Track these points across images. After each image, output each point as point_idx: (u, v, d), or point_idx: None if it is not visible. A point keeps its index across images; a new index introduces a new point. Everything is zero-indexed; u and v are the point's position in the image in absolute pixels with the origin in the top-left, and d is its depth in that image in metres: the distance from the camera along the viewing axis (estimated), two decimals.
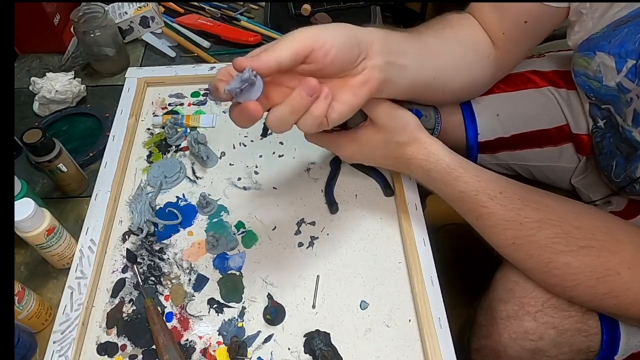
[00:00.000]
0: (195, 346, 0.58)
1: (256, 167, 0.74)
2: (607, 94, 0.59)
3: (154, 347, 0.57)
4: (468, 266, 0.95)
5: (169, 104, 0.82)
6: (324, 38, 0.46)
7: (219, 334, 0.58)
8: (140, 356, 0.57)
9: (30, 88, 0.83)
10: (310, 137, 0.61)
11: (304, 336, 0.58)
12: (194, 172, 0.74)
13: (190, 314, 0.60)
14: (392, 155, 0.58)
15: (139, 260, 0.64)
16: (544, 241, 0.52)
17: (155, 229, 0.67)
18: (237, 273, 0.63)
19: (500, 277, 0.60)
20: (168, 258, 0.65)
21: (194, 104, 0.82)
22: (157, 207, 0.69)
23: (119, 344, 0.58)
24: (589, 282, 0.51)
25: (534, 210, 0.54)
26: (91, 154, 0.77)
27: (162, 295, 0.62)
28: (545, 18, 0.61)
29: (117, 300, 0.61)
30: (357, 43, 0.48)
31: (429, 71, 0.58)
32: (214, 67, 0.85)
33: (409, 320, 0.59)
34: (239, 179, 0.72)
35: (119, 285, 0.63)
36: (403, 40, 0.56)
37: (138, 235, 0.67)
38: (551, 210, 0.54)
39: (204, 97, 0.83)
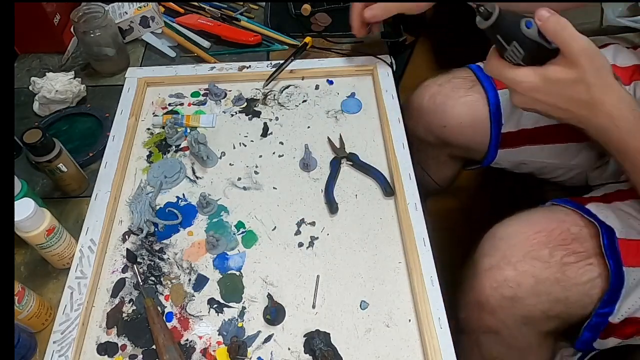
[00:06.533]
0: (195, 346, 0.58)
1: (256, 167, 0.74)
2: None
3: (154, 347, 0.57)
4: None
5: (169, 104, 0.82)
6: None
7: (219, 334, 0.58)
8: (140, 356, 0.57)
9: (30, 88, 0.83)
10: (491, 68, 0.55)
11: (304, 336, 0.58)
12: (194, 172, 0.74)
13: (190, 314, 0.60)
14: (578, 97, 0.53)
15: (139, 260, 0.64)
16: None
17: (155, 229, 0.67)
18: (237, 273, 0.63)
19: (487, 237, 0.64)
20: (168, 258, 0.65)
21: (194, 104, 0.82)
22: (157, 207, 0.69)
23: (119, 344, 0.58)
24: None
25: None
26: (91, 154, 0.77)
27: (162, 295, 0.62)
28: None
29: (117, 300, 0.61)
30: None
31: None
32: (214, 67, 0.85)
33: (409, 320, 0.59)
34: (239, 179, 0.72)
35: (119, 285, 0.63)
36: None
37: (138, 235, 0.67)
38: None
39: (204, 97, 0.83)
